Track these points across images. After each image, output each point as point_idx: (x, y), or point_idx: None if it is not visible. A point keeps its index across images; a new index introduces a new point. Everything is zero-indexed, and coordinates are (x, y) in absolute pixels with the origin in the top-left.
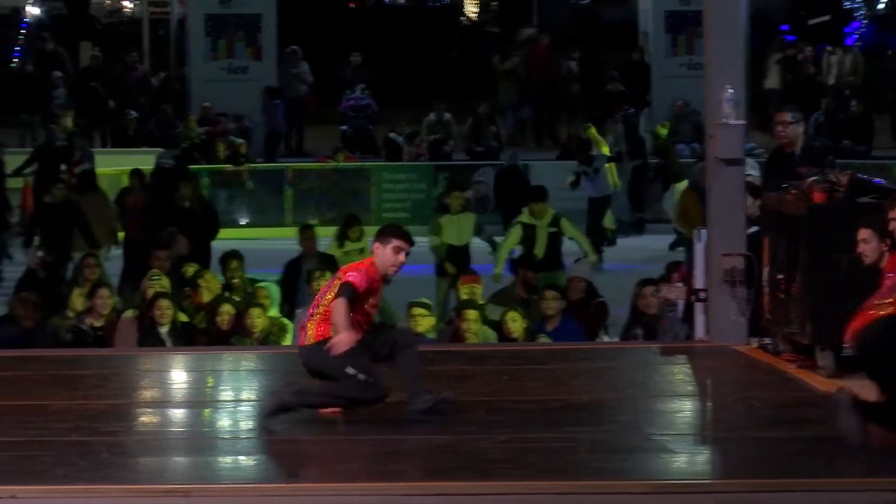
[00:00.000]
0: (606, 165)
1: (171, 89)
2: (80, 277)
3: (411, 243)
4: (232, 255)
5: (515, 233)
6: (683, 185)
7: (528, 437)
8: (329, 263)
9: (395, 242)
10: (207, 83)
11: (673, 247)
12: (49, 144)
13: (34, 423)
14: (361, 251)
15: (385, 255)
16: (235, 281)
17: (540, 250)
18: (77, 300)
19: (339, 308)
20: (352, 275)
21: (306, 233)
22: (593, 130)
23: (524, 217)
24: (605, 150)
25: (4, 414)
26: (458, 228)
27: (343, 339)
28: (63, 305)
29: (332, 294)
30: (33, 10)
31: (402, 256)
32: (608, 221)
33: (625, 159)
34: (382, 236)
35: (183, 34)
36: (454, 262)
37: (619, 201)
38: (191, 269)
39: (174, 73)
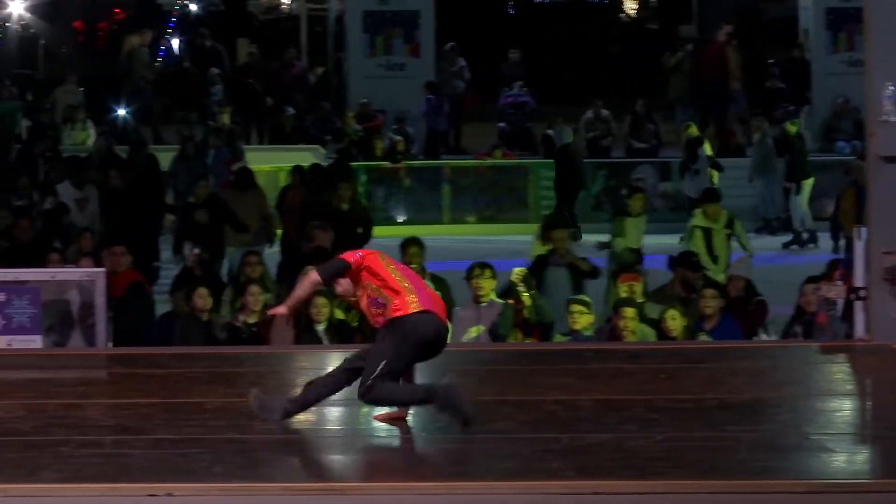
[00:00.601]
0: (708, 168)
1: (328, 86)
2: (242, 275)
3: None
4: (413, 242)
5: (698, 238)
6: (810, 182)
7: (686, 436)
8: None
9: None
10: (365, 80)
11: (787, 245)
12: (205, 142)
13: (191, 421)
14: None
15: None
16: (413, 266)
17: (721, 252)
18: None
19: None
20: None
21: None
22: (694, 129)
23: (699, 220)
24: (708, 151)
25: (162, 411)
26: (637, 230)
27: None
28: (219, 303)
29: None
30: (192, 7)
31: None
32: None
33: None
34: None
35: (341, 31)
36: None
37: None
38: None
39: (331, 70)
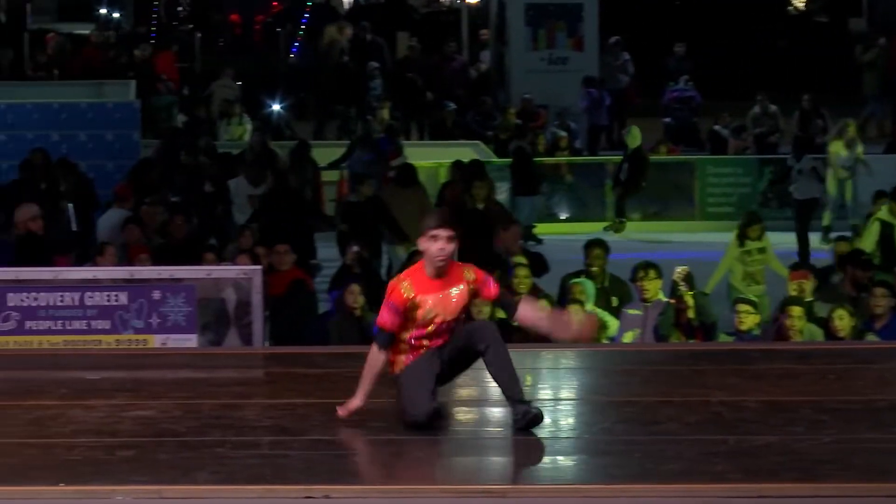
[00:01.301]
0: (827, 171)
1: (489, 80)
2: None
3: (447, 227)
4: (596, 243)
5: (874, 229)
6: None
7: (855, 438)
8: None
9: (429, 232)
10: (527, 74)
11: None
12: (366, 137)
13: (349, 421)
14: (762, 250)
15: (426, 248)
16: (594, 269)
17: None
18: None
19: (369, 359)
20: (382, 312)
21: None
22: (852, 128)
23: (883, 214)
24: (842, 151)
25: (318, 412)
26: None
27: (349, 406)
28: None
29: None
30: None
31: (439, 244)
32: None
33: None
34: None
35: (502, 24)
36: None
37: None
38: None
39: (493, 64)
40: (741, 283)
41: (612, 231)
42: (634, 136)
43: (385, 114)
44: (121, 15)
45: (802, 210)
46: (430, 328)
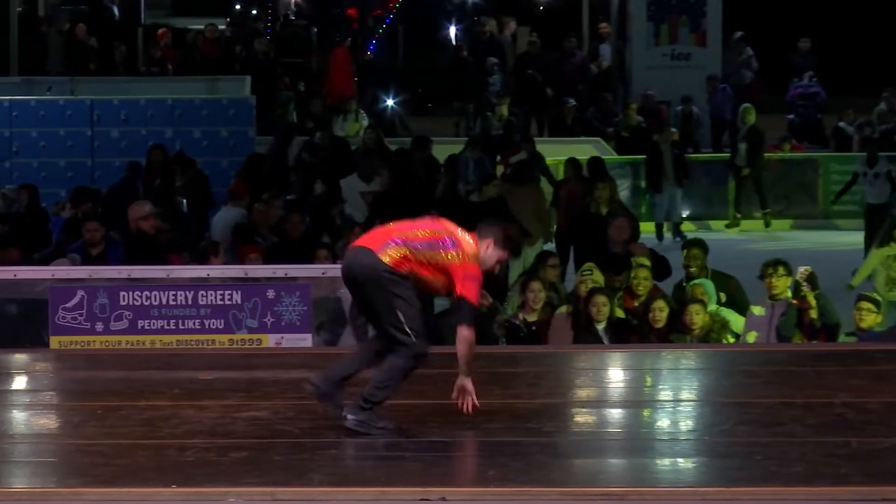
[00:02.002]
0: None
1: (610, 76)
2: (542, 274)
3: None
4: (692, 243)
5: None
6: None
7: None
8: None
9: (506, 247)
10: (649, 70)
11: None
12: (484, 133)
13: (466, 423)
14: None
15: (491, 254)
16: (693, 269)
17: None
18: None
19: (464, 347)
20: (470, 281)
21: None
22: None
23: None
24: None
25: (435, 413)
26: None
27: (467, 387)
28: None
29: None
30: None
31: (500, 258)
32: None
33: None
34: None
35: (624, 19)
36: None
37: None
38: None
39: (614, 60)
40: (884, 287)
41: (730, 227)
42: (751, 114)
43: (504, 110)
44: (248, 9)
45: (873, 215)
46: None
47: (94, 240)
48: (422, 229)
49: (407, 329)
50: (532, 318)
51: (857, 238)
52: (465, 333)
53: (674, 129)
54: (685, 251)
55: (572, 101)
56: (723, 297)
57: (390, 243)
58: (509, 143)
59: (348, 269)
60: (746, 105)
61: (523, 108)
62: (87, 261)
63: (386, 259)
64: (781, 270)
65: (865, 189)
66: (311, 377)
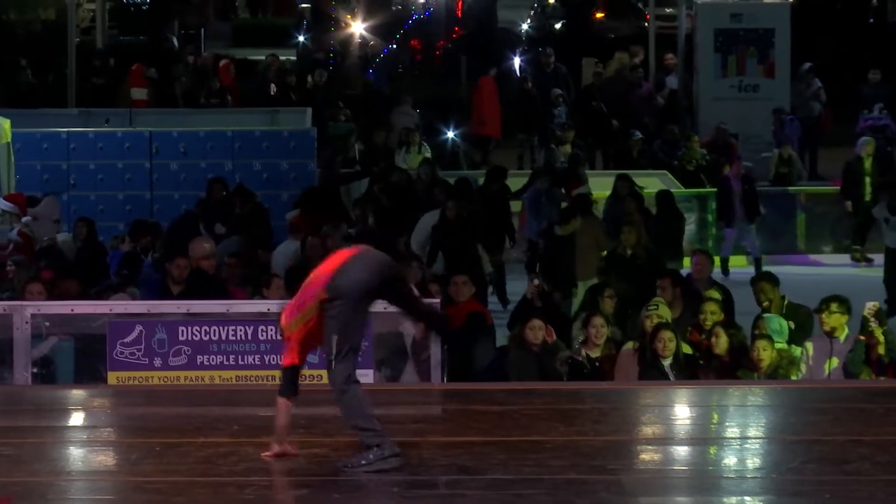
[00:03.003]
0: None
1: (676, 108)
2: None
3: None
4: (761, 277)
5: None
6: None
7: None
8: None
9: None
10: (716, 101)
11: None
12: (548, 166)
13: (530, 460)
14: None
15: None
16: (764, 304)
17: None
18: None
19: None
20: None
21: None
22: None
23: None
24: None
25: (498, 450)
26: None
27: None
28: (563, 337)
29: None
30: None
31: None
32: None
33: None
34: None
35: (691, 50)
36: None
37: None
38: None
39: (681, 91)
40: None
41: (858, 261)
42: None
43: (568, 142)
44: (306, 40)
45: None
46: None
47: (181, 277)
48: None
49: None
50: (595, 353)
51: None
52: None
53: (747, 164)
54: (753, 286)
55: (638, 134)
56: (791, 325)
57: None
58: (573, 176)
59: None
60: (867, 138)
61: (588, 140)
62: (167, 297)
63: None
64: (834, 307)
65: (885, 234)
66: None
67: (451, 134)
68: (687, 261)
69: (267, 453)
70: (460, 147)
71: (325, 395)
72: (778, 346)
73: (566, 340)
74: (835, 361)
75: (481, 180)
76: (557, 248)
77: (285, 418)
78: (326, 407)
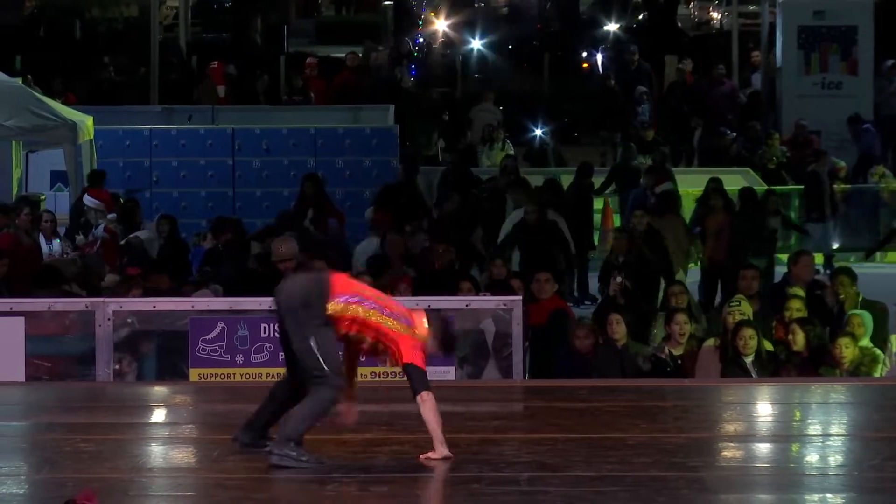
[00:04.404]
0: None
1: (759, 105)
2: (666, 304)
3: None
4: (841, 271)
5: None
6: None
7: None
8: None
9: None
10: (799, 98)
11: None
12: (625, 163)
13: (611, 458)
14: None
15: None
16: (841, 297)
17: None
18: (659, 328)
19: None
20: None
21: None
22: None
23: None
24: None
25: (580, 447)
26: None
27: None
28: (645, 333)
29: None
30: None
31: None
32: None
33: None
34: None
35: (774, 47)
36: None
37: None
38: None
39: (765, 87)
40: None
41: None
42: None
43: (649, 139)
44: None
45: None
46: None
47: None
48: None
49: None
50: (678, 351)
51: None
52: (425, 398)
53: (838, 161)
54: (832, 279)
55: (729, 132)
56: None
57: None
58: (658, 173)
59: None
60: None
61: (670, 137)
62: None
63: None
64: None
65: None
66: (237, 434)
67: (538, 131)
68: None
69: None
70: (548, 145)
71: (406, 391)
72: (861, 343)
73: (645, 338)
74: None
75: (564, 178)
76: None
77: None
78: (407, 404)
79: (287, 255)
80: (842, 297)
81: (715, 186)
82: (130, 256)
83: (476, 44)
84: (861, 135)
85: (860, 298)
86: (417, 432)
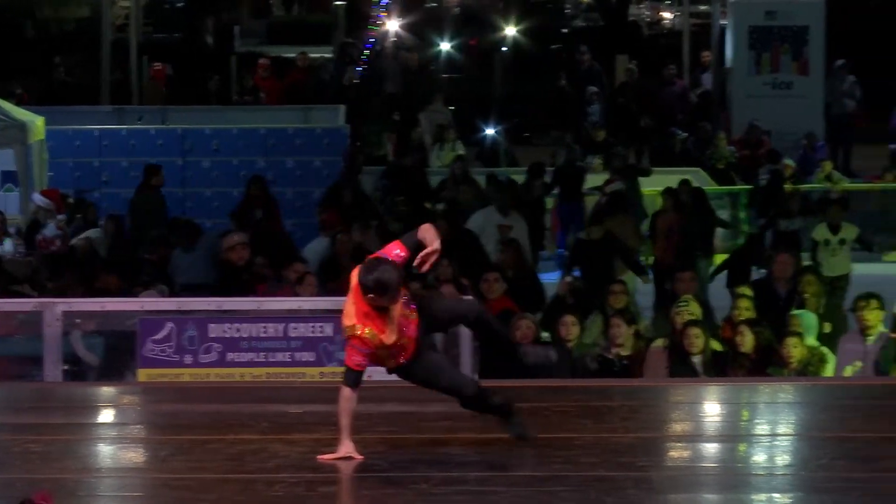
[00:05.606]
0: None
1: (710, 106)
2: (606, 304)
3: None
4: (807, 270)
5: None
6: None
7: None
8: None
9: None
10: (750, 99)
11: None
12: (569, 165)
13: (560, 457)
14: None
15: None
16: (806, 296)
17: None
18: (595, 328)
19: (341, 403)
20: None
21: None
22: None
23: None
24: None
25: (530, 447)
26: None
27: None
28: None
29: None
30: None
31: None
32: None
33: None
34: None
35: (724, 48)
36: None
37: None
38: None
39: (715, 88)
40: None
41: None
42: None
43: (600, 140)
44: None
45: None
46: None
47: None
48: None
49: None
50: (625, 351)
51: None
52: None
53: (788, 161)
54: (799, 278)
55: (680, 132)
56: (827, 327)
57: None
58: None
59: None
60: None
61: (618, 137)
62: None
63: None
64: (874, 304)
65: None
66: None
67: (490, 131)
68: (718, 258)
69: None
70: (500, 145)
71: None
72: (808, 343)
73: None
74: (858, 365)
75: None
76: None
77: None
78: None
79: None
80: (806, 295)
81: (668, 187)
82: (74, 259)
83: (429, 44)
84: (817, 151)
85: (823, 301)
86: (365, 432)
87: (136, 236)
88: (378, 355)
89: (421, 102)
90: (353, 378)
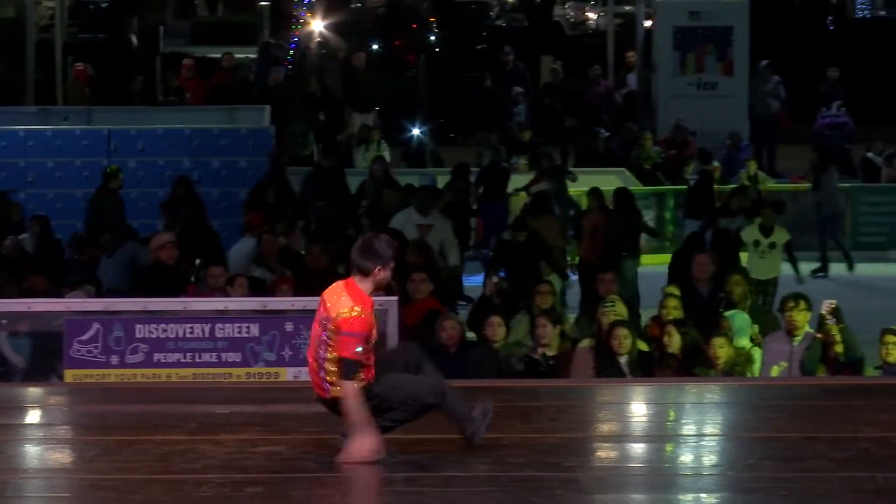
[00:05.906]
0: None
1: (635, 106)
2: (532, 305)
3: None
4: (736, 270)
5: None
6: None
7: None
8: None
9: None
10: (674, 99)
11: None
12: (493, 165)
13: (487, 457)
14: None
15: (382, 277)
16: (734, 297)
17: None
18: (520, 329)
19: (351, 403)
20: (351, 339)
21: None
22: None
23: None
24: None
25: (455, 448)
26: None
27: (363, 449)
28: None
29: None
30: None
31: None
32: None
33: None
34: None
35: (649, 48)
36: None
37: None
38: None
39: (640, 88)
40: None
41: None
42: None
43: (526, 139)
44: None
45: None
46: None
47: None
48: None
49: None
50: (551, 351)
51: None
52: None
53: (716, 163)
54: (727, 278)
55: (603, 132)
56: (755, 329)
57: None
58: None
59: None
60: None
61: (544, 137)
62: None
63: None
64: (802, 304)
65: None
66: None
67: (415, 131)
68: (644, 259)
69: None
70: (426, 146)
71: (282, 392)
72: (737, 343)
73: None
74: (784, 365)
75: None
76: (520, 246)
77: None
78: (283, 405)
79: None
80: (732, 295)
81: (593, 188)
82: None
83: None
84: (741, 151)
85: (749, 302)
86: (293, 433)
87: (94, 238)
88: (368, 342)
89: (365, 102)
90: (353, 369)
